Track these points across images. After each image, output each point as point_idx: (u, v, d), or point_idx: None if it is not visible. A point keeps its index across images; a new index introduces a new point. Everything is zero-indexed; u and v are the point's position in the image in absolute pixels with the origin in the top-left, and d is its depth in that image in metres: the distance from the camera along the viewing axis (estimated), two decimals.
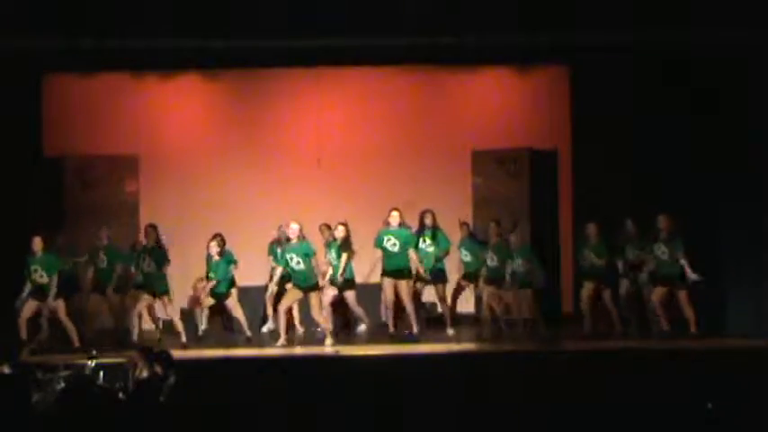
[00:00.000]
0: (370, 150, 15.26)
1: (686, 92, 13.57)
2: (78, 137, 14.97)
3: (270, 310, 14.06)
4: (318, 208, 13.94)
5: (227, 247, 13.80)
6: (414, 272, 12.87)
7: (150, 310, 13.89)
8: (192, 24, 12.28)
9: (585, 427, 8.19)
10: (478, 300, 13.90)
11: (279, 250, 13.57)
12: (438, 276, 13.52)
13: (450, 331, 13.44)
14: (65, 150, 14.83)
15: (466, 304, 14.38)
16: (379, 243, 12.90)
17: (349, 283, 13.22)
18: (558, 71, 15.07)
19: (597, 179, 14.28)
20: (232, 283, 13.76)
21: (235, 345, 13.07)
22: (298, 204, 14.15)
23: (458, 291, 14.08)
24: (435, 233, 13.38)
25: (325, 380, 9.95)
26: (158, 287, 13.13)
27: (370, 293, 13.46)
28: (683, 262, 12.57)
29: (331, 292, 13.22)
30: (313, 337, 13.26)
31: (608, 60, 13.82)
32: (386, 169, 15.15)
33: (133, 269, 13.38)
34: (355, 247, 13.16)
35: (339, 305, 13.55)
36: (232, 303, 13.72)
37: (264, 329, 14.08)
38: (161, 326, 13.90)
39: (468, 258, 13.82)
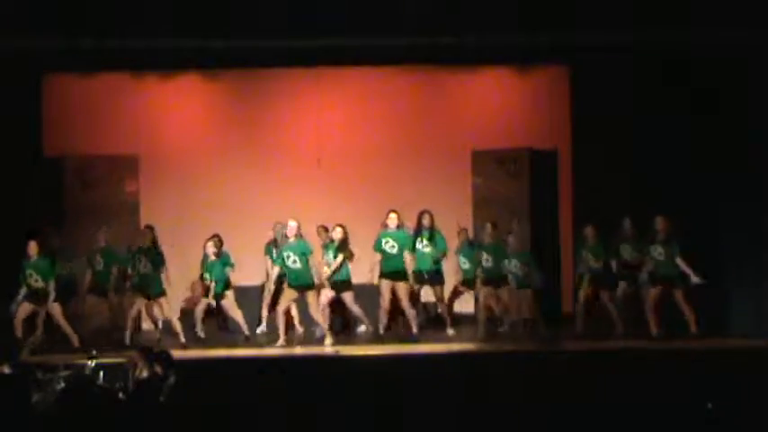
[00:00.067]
0: (370, 150, 15.26)
1: (686, 92, 13.56)
2: (78, 137, 14.97)
3: (264, 312, 14.06)
4: (318, 208, 13.94)
5: (225, 248, 13.83)
6: (410, 273, 12.86)
7: (148, 310, 13.90)
8: (192, 24, 12.28)
9: (585, 428, 8.20)
10: (477, 300, 13.90)
11: (275, 250, 13.59)
12: (435, 278, 13.52)
13: (451, 331, 13.44)
14: (65, 150, 14.82)
15: (466, 305, 14.37)
16: (378, 246, 12.92)
17: (345, 284, 13.21)
18: (557, 71, 15.06)
19: (597, 179, 14.26)
20: (227, 284, 13.78)
21: (235, 345, 13.07)
22: (297, 204, 14.14)
23: (455, 294, 14.08)
24: (432, 234, 13.36)
25: (324, 380, 9.95)
26: (153, 289, 13.15)
27: (370, 295, 13.41)
28: (680, 264, 12.57)
29: (328, 293, 13.22)
30: (312, 337, 13.25)
31: (608, 60, 13.81)
32: (386, 169, 15.14)
33: (129, 270, 13.37)
34: (354, 248, 13.17)
35: (337, 306, 13.55)
36: (228, 304, 13.74)
37: (258, 331, 14.06)
38: (161, 326, 13.90)
39: (466, 266, 13.80)
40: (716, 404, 8.27)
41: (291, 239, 12.64)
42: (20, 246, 12.74)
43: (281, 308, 12.72)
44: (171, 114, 15.42)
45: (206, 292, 13.76)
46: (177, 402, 7.89)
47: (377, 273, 13.01)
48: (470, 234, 14.20)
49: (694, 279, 12.43)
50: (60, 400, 7.61)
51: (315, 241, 13.40)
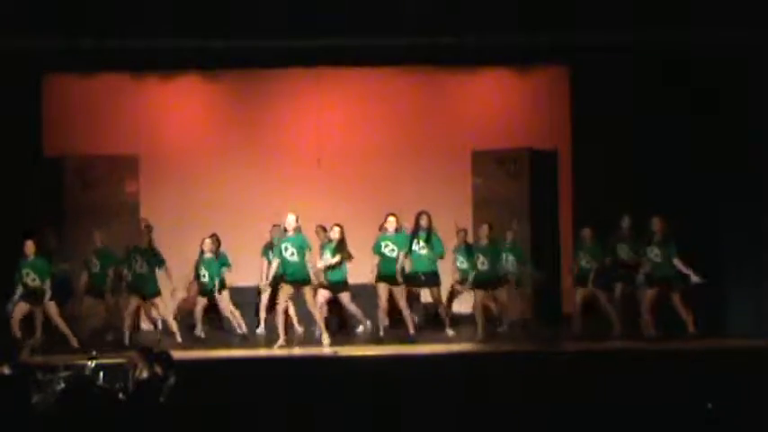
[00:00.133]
0: (370, 151, 15.25)
1: (686, 92, 13.56)
2: (78, 137, 14.96)
3: (262, 314, 14.07)
4: (318, 208, 13.93)
5: (223, 248, 13.85)
6: (400, 270, 12.83)
7: (147, 311, 13.90)
8: (192, 25, 12.28)
9: (585, 428, 8.21)
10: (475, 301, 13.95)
11: (271, 253, 13.61)
12: (432, 279, 13.48)
13: (450, 332, 13.43)
14: (65, 150, 14.82)
15: (465, 305, 14.37)
16: (377, 249, 12.92)
17: (342, 284, 13.21)
18: (557, 71, 15.05)
19: (597, 179, 14.26)
20: (223, 283, 13.79)
21: (235, 345, 13.06)
22: (297, 205, 14.03)
23: (453, 294, 14.08)
24: (430, 236, 13.33)
25: (324, 380, 9.96)
26: (148, 289, 13.20)
27: (368, 295, 13.40)
28: (678, 265, 12.57)
29: (325, 293, 13.22)
30: (312, 337, 13.23)
31: (608, 60, 13.81)
32: (386, 170, 15.13)
33: (126, 270, 13.37)
34: (352, 249, 13.16)
35: (334, 306, 13.53)
36: (224, 304, 13.76)
37: (258, 332, 14.07)
38: (160, 327, 13.91)
39: (463, 266, 13.80)
40: (716, 404, 8.28)
41: (290, 233, 12.61)
42: (20, 246, 12.74)
43: (280, 306, 12.70)
44: (171, 114, 15.41)
45: (201, 291, 13.76)
46: (177, 403, 7.90)
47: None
48: (469, 235, 14.17)
49: (694, 278, 12.42)
50: (60, 401, 7.63)
51: (313, 241, 13.38)
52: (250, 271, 14.36)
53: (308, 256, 12.62)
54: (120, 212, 14.67)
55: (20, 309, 12.62)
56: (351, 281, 13.40)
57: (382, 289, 12.89)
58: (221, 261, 13.81)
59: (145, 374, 8.49)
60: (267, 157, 15.24)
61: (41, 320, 12.84)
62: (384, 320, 13.09)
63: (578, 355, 11.79)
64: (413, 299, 13.89)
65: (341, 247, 13.04)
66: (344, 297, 13.25)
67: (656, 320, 12.76)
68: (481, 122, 15.28)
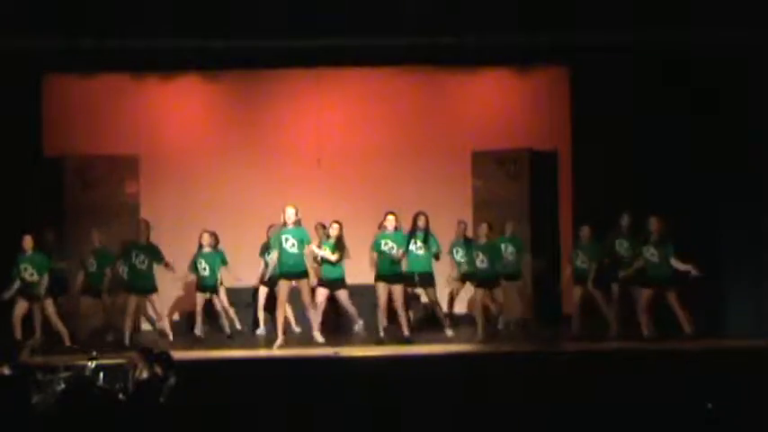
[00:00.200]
0: (370, 151, 15.26)
1: (686, 92, 13.55)
2: (78, 137, 14.97)
3: (261, 314, 14.07)
4: (318, 209, 13.93)
5: (221, 246, 13.85)
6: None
7: (144, 309, 13.89)
8: (192, 25, 12.28)
9: (585, 429, 8.21)
10: (472, 300, 13.98)
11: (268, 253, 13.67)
12: (427, 280, 13.47)
13: (450, 332, 13.43)
14: (65, 150, 14.83)
15: (464, 305, 14.39)
16: (377, 247, 12.91)
17: (340, 282, 13.21)
18: (558, 72, 15.04)
19: (597, 180, 14.25)
20: (220, 281, 13.80)
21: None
22: (298, 205, 14.05)
23: (453, 294, 14.09)
24: (427, 236, 13.33)
25: (324, 381, 9.96)
26: (147, 285, 13.21)
27: (368, 295, 13.40)
28: (676, 264, 12.57)
29: (323, 291, 13.21)
30: (311, 338, 13.18)
31: (608, 61, 13.80)
32: (386, 170, 15.14)
33: (123, 266, 13.34)
34: (352, 248, 13.18)
35: (332, 305, 13.51)
36: (221, 300, 13.78)
37: (258, 332, 14.08)
38: (158, 325, 13.92)
39: (462, 259, 13.81)
40: (716, 404, 8.27)
41: (290, 225, 12.59)
42: (20, 246, 12.77)
43: (279, 306, 12.66)
44: (171, 115, 15.42)
45: (201, 286, 13.75)
46: (177, 403, 7.90)
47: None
48: (469, 230, 14.21)
49: (694, 272, 12.39)
50: (60, 402, 7.63)
51: (313, 238, 13.34)
52: (251, 271, 14.39)
53: (306, 251, 12.61)
54: (120, 213, 14.69)
55: (20, 306, 12.63)
56: (351, 281, 13.40)
57: (382, 288, 12.88)
58: (220, 255, 13.82)
59: (145, 375, 8.50)
60: (267, 158, 15.24)
61: (40, 321, 12.85)
62: (383, 320, 13.07)
63: (578, 356, 11.79)
64: (411, 299, 13.87)
65: (340, 243, 13.04)
66: (342, 294, 13.24)
67: (656, 321, 12.75)
68: (481, 123, 15.28)
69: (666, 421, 8.24)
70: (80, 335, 13.26)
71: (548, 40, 13.10)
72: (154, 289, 13.33)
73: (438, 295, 13.73)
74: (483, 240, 13.26)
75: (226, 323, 13.87)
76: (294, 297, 12.94)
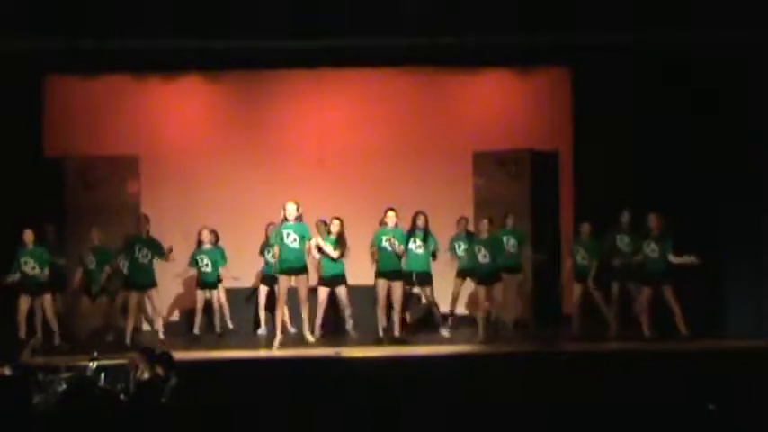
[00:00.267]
0: (371, 151, 15.27)
1: (686, 92, 13.56)
2: (79, 137, 14.99)
3: (262, 314, 14.08)
4: (319, 209, 13.92)
5: (221, 244, 13.86)
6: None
7: (142, 306, 13.87)
8: (193, 25, 12.30)
9: (585, 429, 8.22)
10: (472, 299, 13.99)
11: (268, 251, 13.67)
12: (424, 278, 13.49)
13: (445, 332, 13.44)
14: (66, 151, 14.85)
15: (463, 306, 14.41)
16: (377, 243, 12.92)
17: (340, 278, 13.19)
18: (559, 73, 15.05)
19: (599, 180, 14.25)
20: (219, 278, 13.83)
21: (237, 347, 13.06)
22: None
23: (456, 290, 14.10)
24: (426, 235, 13.35)
25: (325, 381, 9.97)
26: (147, 280, 13.22)
27: (370, 296, 13.40)
28: (672, 260, 12.59)
29: (323, 290, 13.20)
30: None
31: (609, 61, 13.82)
32: (387, 171, 15.15)
33: (125, 260, 13.36)
34: (353, 249, 13.19)
35: (332, 305, 13.49)
36: (219, 297, 13.79)
37: (259, 332, 14.09)
38: (155, 327, 13.95)
39: (463, 253, 13.83)
40: (716, 405, 8.28)
41: (292, 221, 12.59)
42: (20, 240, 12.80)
43: (279, 300, 12.65)
44: (172, 115, 15.43)
45: (201, 283, 13.75)
46: (179, 404, 7.91)
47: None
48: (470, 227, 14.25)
49: (694, 261, 12.39)
50: (61, 402, 7.64)
51: (314, 235, 13.31)
52: (252, 271, 14.41)
53: (306, 246, 12.60)
54: (121, 213, 14.66)
55: (23, 302, 12.64)
56: (351, 281, 13.39)
57: (381, 285, 12.89)
58: (220, 252, 13.83)
59: (146, 375, 8.51)
60: (268, 158, 15.26)
61: (41, 320, 12.87)
62: (383, 320, 13.06)
63: (578, 356, 11.80)
64: (409, 298, 13.86)
65: (341, 240, 13.03)
66: (341, 291, 13.21)
67: (656, 321, 12.77)
68: (482, 123, 15.29)
69: (667, 422, 8.25)
70: (80, 334, 13.27)
71: (549, 41, 13.12)
72: (154, 284, 13.36)
73: (438, 295, 13.75)
74: (485, 235, 13.29)
75: (218, 322, 13.85)
76: (290, 298, 12.92)
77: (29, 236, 12.74)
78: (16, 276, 12.68)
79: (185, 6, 12.25)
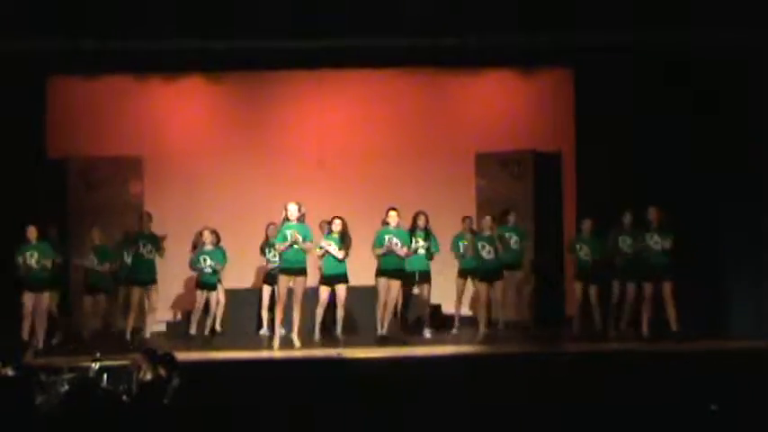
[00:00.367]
0: (373, 152, 15.28)
1: (687, 92, 13.57)
2: (82, 138, 15.01)
3: (265, 314, 14.08)
4: (321, 209, 13.93)
5: (222, 245, 13.89)
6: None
7: (141, 304, 13.88)
8: (195, 26, 12.32)
9: (586, 430, 8.24)
10: (473, 298, 14.02)
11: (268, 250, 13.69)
12: (424, 277, 13.52)
13: (428, 334, 13.44)
14: (69, 152, 14.88)
15: (465, 306, 14.44)
16: (379, 243, 12.93)
17: (342, 277, 13.15)
18: (561, 73, 15.04)
19: (601, 181, 14.26)
20: (219, 279, 13.85)
21: (238, 347, 13.07)
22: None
23: (459, 290, 14.11)
24: (427, 235, 13.36)
25: (326, 382, 9.99)
26: (150, 276, 13.26)
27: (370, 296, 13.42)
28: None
29: (325, 289, 13.20)
30: (311, 338, 13.15)
31: (611, 62, 13.82)
32: (388, 171, 15.16)
33: (128, 257, 13.38)
34: (354, 249, 13.17)
35: (330, 307, 13.48)
36: (218, 298, 13.81)
37: (261, 333, 14.11)
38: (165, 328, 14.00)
39: (466, 252, 13.84)
40: (718, 405, 8.31)
41: (294, 221, 12.60)
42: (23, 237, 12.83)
43: (279, 299, 12.64)
44: (174, 116, 15.46)
45: (202, 284, 13.75)
46: (181, 404, 7.93)
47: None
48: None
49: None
50: (64, 403, 7.66)
51: (317, 236, 13.33)
52: (254, 272, 14.43)
53: (306, 246, 12.60)
54: (124, 213, 14.66)
55: (27, 299, 12.65)
56: (351, 281, 13.39)
57: (382, 284, 12.90)
58: (222, 253, 13.85)
59: (149, 376, 8.51)
60: (270, 159, 15.28)
61: (41, 319, 12.88)
62: (381, 319, 13.06)
63: (579, 356, 11.81)
64: (411, 298, 13.87)
65: (344, 239, 13.01)
66: (341, 290, 13.17)
67: (657, 322, 12.80)
68: (484, 124, 15.31)
69: (667, 422, 8.27)
70: (82, 334, 13.30)
71: (551, 42, 13.13)
72: (155, 280, 13.39)
73: (439, 295, 13.78)
74: (487, 233, 13.32)
75: (209, 322, 13.82)
76: (289, 299, 12.92)
77: (32, 232, 12.75)
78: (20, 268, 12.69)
79: (187, 7, 12.28)
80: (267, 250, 13.90)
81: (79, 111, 15.01)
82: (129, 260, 13.42)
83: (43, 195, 14.25)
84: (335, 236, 13.04)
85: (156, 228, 13.62)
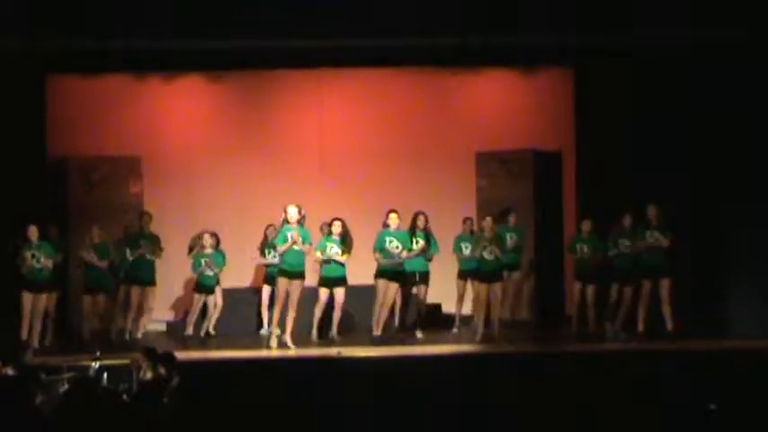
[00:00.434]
0: (373, 152, 15.27)
1: (687, 92, 13.56)
2: (82, 138, 14.99)
3: (265, 313, 14.05)
4: (321, 209, 13.93)
5: (221, 247, 13.88)
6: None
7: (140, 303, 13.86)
8: (194, 26, 12.32)
9: (586, 429, 8.24)
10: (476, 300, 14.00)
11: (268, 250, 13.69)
12: (423, 278, 13.49)
13: (419, 334, 13.42)
14: (68, 151, 14.86)
15: (464, 306, 14.42)
16: (380, 245, 12.92)
17: (341, 279, 13.12)
18: (562, 73, 15.02)
19: (602, 181, 14.24)
20: (218, 281, 13.82)
21: (238, 347, 13.06)
22: (300, 205, 14.11)
23: (460, 291, 14.10)
24: (427, 236, 13.35)
25: (326, 381, 9.99)
26: (149, 276, 13.26)
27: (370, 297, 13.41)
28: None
29: (324, 290, 13.18)
30: (308, 338, 13.14)
31: (611, 61, 13.82)
32: (389, 171, 15.15)
33: (130, 256, 13.37)
34: (354, 249, 13.17)
35: (329, 308, 13.46)
36: (216, 300, 13.80)
37: (261, 332, 14.09)
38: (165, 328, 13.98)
39: (466, 252, 13.83)
40: (718, 405, 8.31)
41: (294, 224, 12.58)
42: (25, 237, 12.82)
43: (278, 300, 12.63)
44: (174, 115, 15.44)
45: (201, 286, 13.73)
46: (181, 404, 7.93)
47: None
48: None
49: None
50: (64, 402, 7.66)
51: (318, 238, 13.32)
52: (252, 271, 14.42)
53: (305, 248, 12.59)
54: (123, 213, 14.65)
55: (26, 299, 12.63)
56: (351, 281, 13.38)
57: (382, 285, 12.89)
58: (221, 256, 13.83)
59: (149, 375, 8.52)
60: (269, 158, 15.27)
61: (41, 318, 12.88)
62: (379, 320, 13.04)
63: (579, 356, 11.82)
64: (411, 298, 13.85)
65: (346, 240, 12.98)
66: (340, 292, 13.13)
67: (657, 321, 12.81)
68: (485, 124, 15.30)
69: (668, 422, 8.27)
70: (82, 333, 13.28)
71: (551, 41, 13.12)
72: (154, 281, 13.39)
73: (439, 295, 13.77)
74: (488, 234, 13.32)
75: (205, 325, 13.80)
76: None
77: (33, 232, 12.72)
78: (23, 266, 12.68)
79: (186, 6, 12.29)
80: (267, 251, 13.87)
81: (79, 110, 14.97)
82: (130, 258, 13.40)
83: (43, 195, 14.22)
84: (336, 238, 13.01)
85: (156, 227, 13.62)
